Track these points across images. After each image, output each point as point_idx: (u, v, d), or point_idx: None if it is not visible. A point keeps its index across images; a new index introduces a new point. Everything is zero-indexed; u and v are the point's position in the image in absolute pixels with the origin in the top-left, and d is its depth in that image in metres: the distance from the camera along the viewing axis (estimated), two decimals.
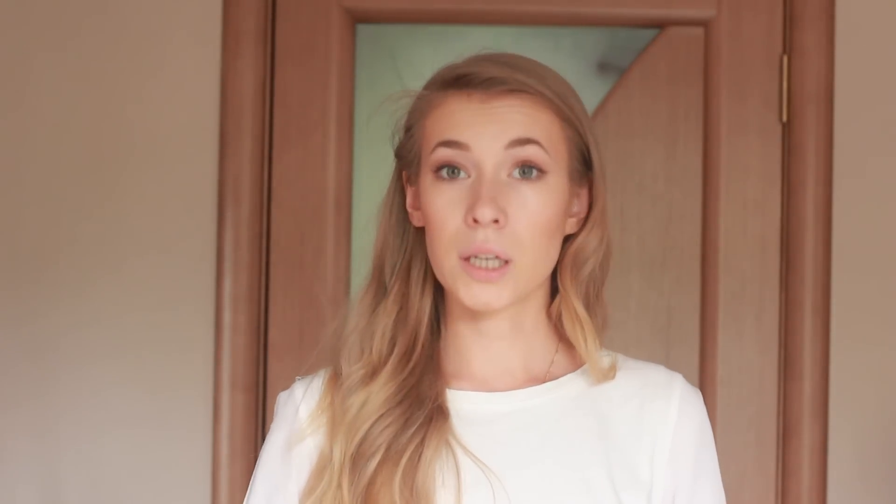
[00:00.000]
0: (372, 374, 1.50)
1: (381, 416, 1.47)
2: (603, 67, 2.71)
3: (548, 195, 1.47)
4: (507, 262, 1.45)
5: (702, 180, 2.66)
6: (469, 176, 1.46)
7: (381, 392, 1.48)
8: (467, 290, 1.46)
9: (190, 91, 2.66)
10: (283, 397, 1.55)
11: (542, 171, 1.47)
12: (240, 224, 2.64)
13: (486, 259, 1.45)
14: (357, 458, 1.46)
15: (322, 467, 1.49)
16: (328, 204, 2.65)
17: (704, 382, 2.63)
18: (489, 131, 1.46)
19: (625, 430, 1.51)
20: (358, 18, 2.70)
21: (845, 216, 2.64)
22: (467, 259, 1.45)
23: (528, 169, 1.46)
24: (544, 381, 1.52)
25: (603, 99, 2.67)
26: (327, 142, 2.66)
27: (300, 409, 1.53)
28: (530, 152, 1.46)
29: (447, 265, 1.46)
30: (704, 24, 2.67)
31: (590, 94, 2.65)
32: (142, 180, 2.65)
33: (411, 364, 1.50)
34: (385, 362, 1.50)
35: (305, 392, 1.54)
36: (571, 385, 1.53)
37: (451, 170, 1.46)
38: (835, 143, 2.64)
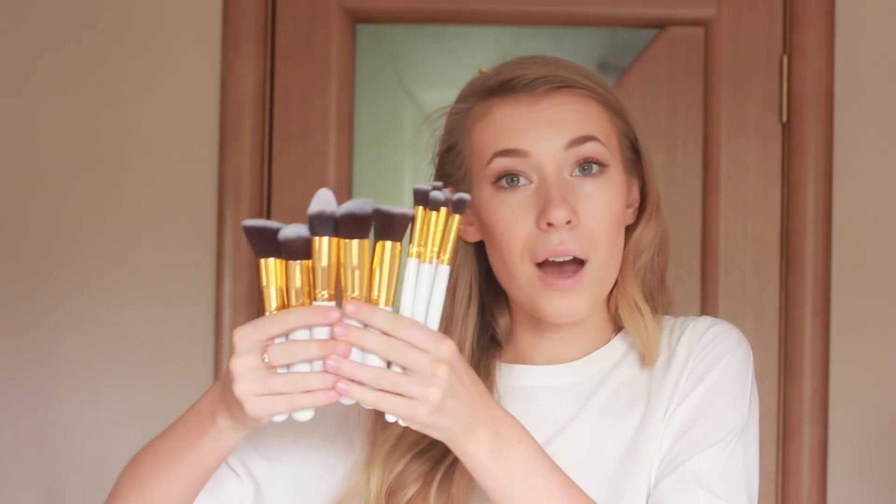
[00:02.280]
0: None
1: (420, 450, 1.43)
2: (603, 67, 2.71)
3: (612, 188, 1.44)
4: (582, 262, 1.42)
5: (702, 180, 2.66)
6: (530, 181, 1.42)
7: None
8: (549, 303, 1.42)
9: (190, 91, 2.66)
10: None
11: (602, 166, 1.44)
12: (240, 224, 2.64)
13: (563, 261, 1.42)
14: (394, 489, 1.42)
15: (354, 471, 1.45)
16: None
17: None
18: (545, 134, 1.42)
19: (659, 379, 1.46)
20: (358, 18, 2.70)
21: (845, 216, 2.64)
22: (542, 265, 1.42)
23: (588, 165, 1.43)
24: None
25: None
26: (327, 142, 2.66)
27: None
28: (590, 149, 1.43)
29: (522, 275, 1.43)
30: (704, 24, 2.67)
31: None
32: (142, 180, 2.65)
33: None
34: None
35: None
36: (612, 351, 1.50)
37: (510, 178, 1.43)
38: (835, 143, 2.64)
